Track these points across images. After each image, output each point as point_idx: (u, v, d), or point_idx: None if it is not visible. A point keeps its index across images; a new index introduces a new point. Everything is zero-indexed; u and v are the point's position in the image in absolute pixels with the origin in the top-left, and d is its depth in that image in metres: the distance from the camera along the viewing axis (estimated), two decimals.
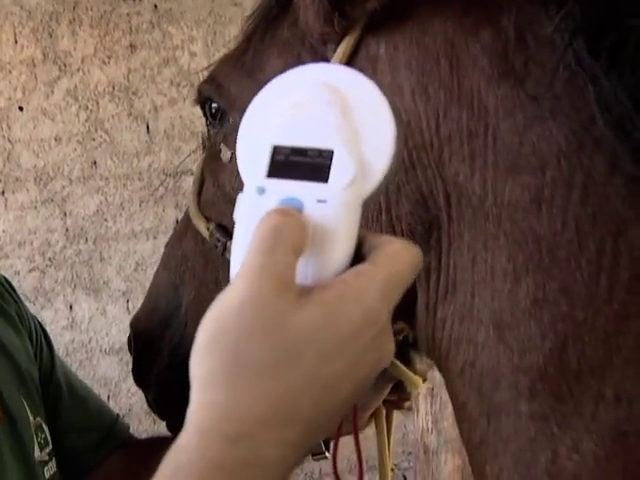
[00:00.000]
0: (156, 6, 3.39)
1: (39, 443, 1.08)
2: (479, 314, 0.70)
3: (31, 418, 1.08)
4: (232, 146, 0.84)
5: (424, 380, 0.99)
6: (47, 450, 1.10)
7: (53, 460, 1.10)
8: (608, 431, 0.63)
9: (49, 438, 1.10)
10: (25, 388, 1.10)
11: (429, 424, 2.42)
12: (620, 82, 0.63)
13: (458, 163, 0.70)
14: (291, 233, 0.53)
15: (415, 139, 0.72)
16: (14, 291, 1.22)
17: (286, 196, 0.56)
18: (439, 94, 0.71)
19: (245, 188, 0.58)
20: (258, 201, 0.56)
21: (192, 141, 3.32)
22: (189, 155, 3.15)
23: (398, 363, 0.92)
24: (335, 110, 0.58)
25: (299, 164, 0.57)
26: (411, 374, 0.95)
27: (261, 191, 0.57)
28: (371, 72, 0.74)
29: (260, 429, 0.50)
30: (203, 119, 0.99)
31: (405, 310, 0.75)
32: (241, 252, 0.54)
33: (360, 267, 0.55)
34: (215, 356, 0.51)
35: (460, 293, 0.71)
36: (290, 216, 0.54)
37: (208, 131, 0.97)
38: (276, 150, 0.58)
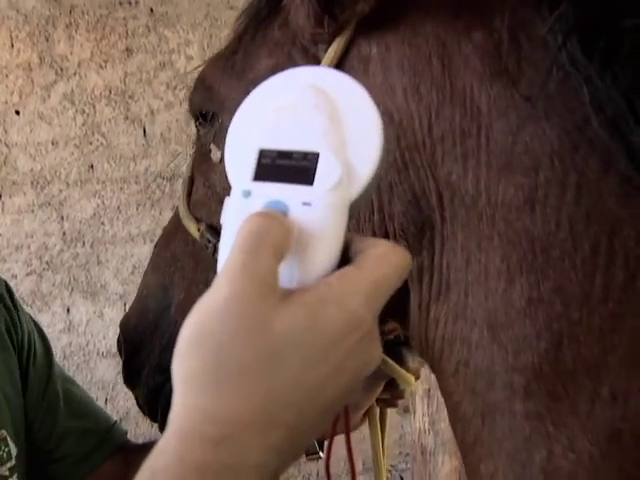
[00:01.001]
0: (152, 10, 3.39)
1: (0, 457, 1.07)
2: (473, 314, 0.70)
3: None
4: (222, 146, 0.84)
5: (417, 378, 0.99)
6: (8, 465, 1.08)
7: (15, 477, 1.09)
8: (603, 430, 0.63)
9: (13, 453, 1.09)
10: None
11: (426, 425, 2.42)
12: (614, 83, 0.63)
13: (451, 163, 0.70)
14: (273, 236, 0.52)
15: (407, 139, 0.72)
16: (12, 297, 1.21)
17: (271, 199, 0.55)
18: (431, 94, 0.71)
19: (232, 191, 0.58)
20: (244, 204, 0.56)
21: (189, 144, 3.31)
22: (178, 154, 3.15)
23: (390, 361, 0.92)
24: (322, 114, 0.57)
25: (285, 167, 0.56)
26: (403, 372, 0.95)
27: (247, 194, 0.56)
28: (362, 72, 0.75)
29: (242, 432, 0.48)
30: None
31: (397, 310, 0.75)
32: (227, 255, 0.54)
33: (344, 270, 0.54)
34: (197, 358, 0.50)
35: (453, 293, 0.71)
36: (273, 219, 0.53)
37: (198, 131, 0.97)
38: (262, 153, 0.58)
